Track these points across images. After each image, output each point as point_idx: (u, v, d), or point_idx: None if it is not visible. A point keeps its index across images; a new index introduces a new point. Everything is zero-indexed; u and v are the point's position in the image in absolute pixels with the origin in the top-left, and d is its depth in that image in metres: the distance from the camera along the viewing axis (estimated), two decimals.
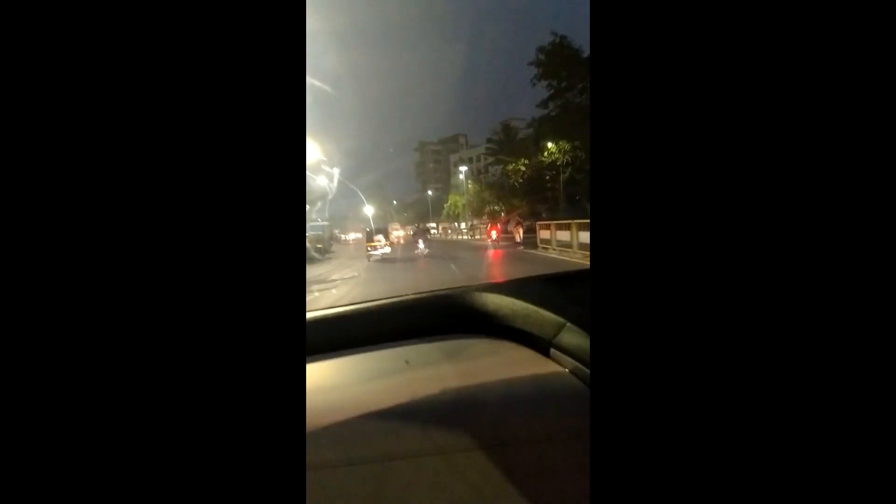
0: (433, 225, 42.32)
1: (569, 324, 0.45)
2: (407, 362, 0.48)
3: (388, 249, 12.61)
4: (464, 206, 36.15)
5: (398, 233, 24.30)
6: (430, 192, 50.17)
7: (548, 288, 0.55)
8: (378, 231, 13.11)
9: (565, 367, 0.44)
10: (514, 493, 0.35)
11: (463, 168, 38.61)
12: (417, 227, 20.75)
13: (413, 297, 0.60)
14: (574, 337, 0.44)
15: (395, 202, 60.75)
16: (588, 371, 0.40)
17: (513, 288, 0.55)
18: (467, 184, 34.77)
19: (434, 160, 61.05)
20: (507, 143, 27.78)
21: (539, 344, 0.48)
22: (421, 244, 13.74)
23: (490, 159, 32.36)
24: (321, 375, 0.49)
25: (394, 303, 0.59)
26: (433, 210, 46.09)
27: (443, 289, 0.61)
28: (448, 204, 38.68)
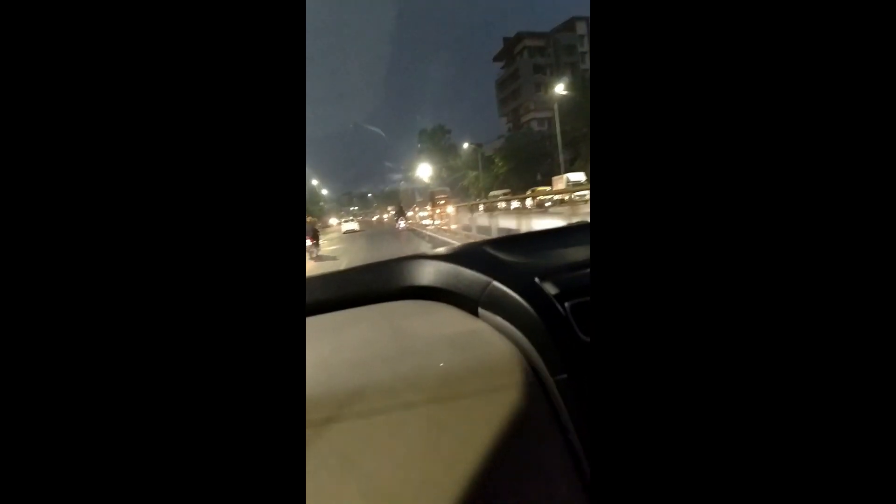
0: (581, 177, 15.94)
1: (493, 282, 0.48)
2: None
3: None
4: None
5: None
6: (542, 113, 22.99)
7: (477, 252, 0.59)
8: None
9: (491, 324, 0.46)
10: (460, 439, 0.37)
11: None
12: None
13: (351, 269, 0.64)
14: (498, 294, 0.47)
15: (465, 146, 34.08)
16: (513, 327, 0.44)
17: (448, 254, 0.58)
18: None
19: (535, 65, 33.35)
20: None
21: (467, 303, 0.50)
22: (402, 223, 14.44)
23: None
24: None
25: (331, 274, 0.63)
26: (555, 153, 19.35)
27: (381, 261, 0.64)
28: None
